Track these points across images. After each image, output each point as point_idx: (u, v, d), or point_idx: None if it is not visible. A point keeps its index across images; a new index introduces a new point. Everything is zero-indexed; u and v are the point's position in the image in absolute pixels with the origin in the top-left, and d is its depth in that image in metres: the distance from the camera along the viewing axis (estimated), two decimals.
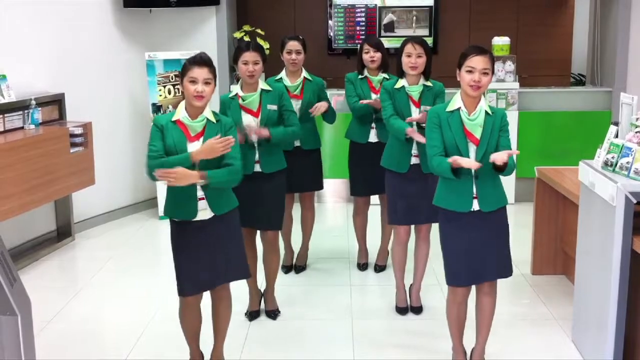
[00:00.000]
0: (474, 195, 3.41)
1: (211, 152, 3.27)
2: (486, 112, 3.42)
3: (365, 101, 4.74)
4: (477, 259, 3.47)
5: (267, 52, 6.15)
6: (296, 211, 5.26)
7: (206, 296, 3.62)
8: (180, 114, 3.38)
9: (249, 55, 4.09)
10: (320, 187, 5.19)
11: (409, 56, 4.14)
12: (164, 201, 3.53)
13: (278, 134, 4.14)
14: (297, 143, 4.80)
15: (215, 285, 3.55)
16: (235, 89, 4.19)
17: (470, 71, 3.35)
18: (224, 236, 3.48)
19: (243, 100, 4.11)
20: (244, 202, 4.12)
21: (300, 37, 4.88)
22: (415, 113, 4.19)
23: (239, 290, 4.46)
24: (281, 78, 4.83)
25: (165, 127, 3.37)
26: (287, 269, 5.23)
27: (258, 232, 4.40)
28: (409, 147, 4.21)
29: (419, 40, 4.18)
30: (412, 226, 4.42)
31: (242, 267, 3.60)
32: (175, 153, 3.32)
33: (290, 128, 4.23)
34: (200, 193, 3.37)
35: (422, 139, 3.91)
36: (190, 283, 3.47)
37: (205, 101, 3.34)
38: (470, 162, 3.31)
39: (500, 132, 3.43)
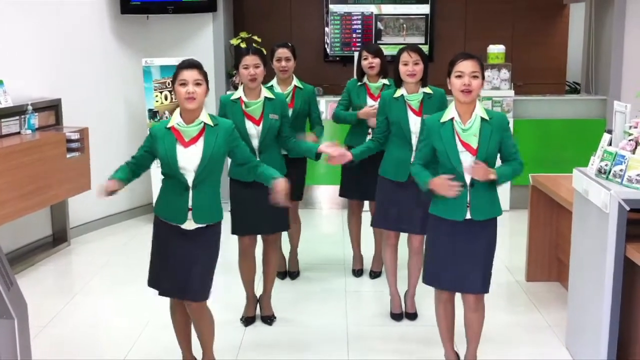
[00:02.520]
0: (468, 204, 3.42)
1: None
2: (482, 118, 3.41)
3: (361, 112, 4.78)
4: (459, 267, 3.48)
5: None
6: None
7: None
8: (175, 120, 3.39)
9: (249, 59, 4.10)
10: (299, 197, 5.07)
11: (405, 64, 4.14)
12: None
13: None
14: (283, 151, 4.78)
15: (179, 296, 3.52)
16: (238, 92, 4.18)
17: (459, 76, 3.35)
18: (201, 249, 3.45)
19: (246, 107, 4.12)
20: (247, 209, 4.14)
21: (290, 44, 4.88)
22: (416, 122, 4.18)
23: (235, 295, 4.48)
24: (272, 86, 4.81)
25: (157, 134, 3.39)
26: (282, 275, 5.23)
27: (259, 239, 4.41)
28: (408, 156, 4.20)
29: (414, 48, 4.18)
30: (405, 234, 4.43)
31: (204, 289, 3.48)
32: (167, 160, 3.34)
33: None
34: (190, 202, 3.38)
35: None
36: (159, 282, 3.51)
37: (198, 103, 3.34)
38: (447, 191, 3.34)
39: (503, 139, 3.43)
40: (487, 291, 3.55)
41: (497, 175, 3.35)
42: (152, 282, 3.56)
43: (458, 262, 3.47)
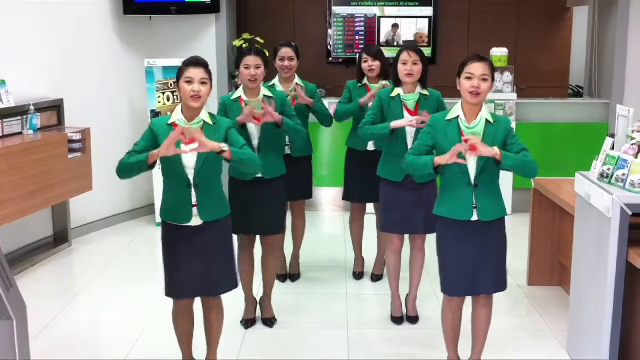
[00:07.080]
0: (474, 205, 3.42)
1: (167, 150, 3.21)
2: (487, 120, 3.41)
3: (363, 100, 4.74)
4: (474, 270, 3.48)
5: None
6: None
7: (198, 300, 3.64)
8: (177, 116, 3.39)
9: (251, 60, 4.11)
10: (309, 196, 5.16)
11: (404, 64, 4.14)
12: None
13: (290, 123, 4.14)
14: (287, 150, 4.77)
15: (203, 294, 3.55)
16: (238, 92, 4.20)
17: (469, 77, 3.36)
18: (214, 244, 3.47)
19: (246, 105, 4.12)
20: (245, 208, 4.14)
21: (293, 44, 4.88)
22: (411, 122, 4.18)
23: (234, 298, 4.46)
24: (274, 85, 4.83)
25: (160, 130, 3.37)
26: (283, 277, 5.22)
27: (257, 240, 4.40)
28: (403, 156, 4.20)
29: (414, 48, 4.19)
30: (407, 235, 4.42)
31: (230, 279, 3.57)
32: (172, 157, 3.30)
33: (300, 127, 4.23)
34: (194, 199, 3.38)
35: (405, 123, 4.09)
36: (177, 287, 3.49)
37: (202, 102, 3.35)
38: (453, 156, 3.27)
39: (507, 140, 3.42)
40: (503, 289, 3.56)
41: (501, 153, 3.30)
42: (171, 293, 3.52)
43: (471, 266, 3.47)
